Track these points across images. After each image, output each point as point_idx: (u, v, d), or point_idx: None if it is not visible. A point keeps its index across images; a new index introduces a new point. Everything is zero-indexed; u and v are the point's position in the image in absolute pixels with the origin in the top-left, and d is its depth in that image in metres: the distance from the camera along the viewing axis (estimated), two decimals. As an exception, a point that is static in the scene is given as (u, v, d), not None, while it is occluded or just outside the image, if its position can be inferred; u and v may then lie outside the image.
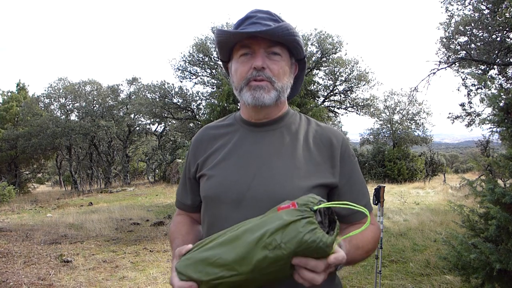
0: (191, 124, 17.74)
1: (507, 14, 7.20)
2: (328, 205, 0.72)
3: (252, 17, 0.96)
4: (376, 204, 3.30)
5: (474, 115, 9.60)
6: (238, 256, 0.70)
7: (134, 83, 21.95)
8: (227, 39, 0.95)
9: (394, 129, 19.90)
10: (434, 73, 9.57)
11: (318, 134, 1.01)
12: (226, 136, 1.04)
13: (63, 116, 21.05)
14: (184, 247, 0.83)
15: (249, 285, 0.73)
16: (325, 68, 14.91)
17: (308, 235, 0.66)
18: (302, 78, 1.08)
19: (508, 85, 8.74)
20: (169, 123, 21.63)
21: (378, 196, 3.26)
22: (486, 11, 7.86)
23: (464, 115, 9.86)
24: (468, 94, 9.44)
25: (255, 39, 0.93)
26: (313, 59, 14.22)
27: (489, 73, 8.85)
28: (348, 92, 15.51)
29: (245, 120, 1.03)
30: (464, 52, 8.76)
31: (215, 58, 15.52)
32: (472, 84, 9.19)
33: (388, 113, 20.21)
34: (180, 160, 17.83)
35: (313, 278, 0.69)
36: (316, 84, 14.67)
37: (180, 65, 16.04)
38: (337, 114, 16.96)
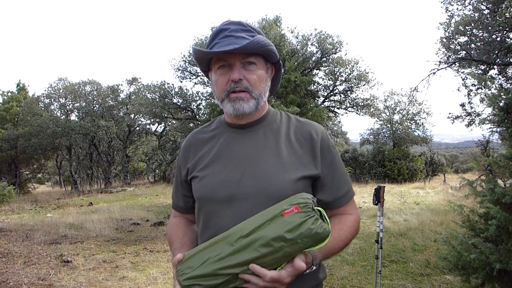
0: (191, 124, 17.72)
1: (507, 14, 7.20)
2: (320, 209, 0.89)
3: (225, 30, 1.00)
4: (376, 204, 3.30)
5: (474, 115, 9.58)
6: (250, 258, 0.83)
7: (134, 83, 21.93)
8: (203, 56, 1.01)
9: (394, 129, 19.89)
10: (434, 73, 9.56)
11: (298, 129, 1.07)
12: (213, 140, 1.10)
13: (63, 116, 21.04)
14: (176, 258, 0.91)
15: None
16: (325, 68, 14.91)
17: (319, 229, 0.84)
18: (279, 78, 1.14)
19: (508, 85, 8.73)
20: (169, 123, 21.62)
21: (378, 196, 3.26)
22: (486, 11, 7.85)
23: (464, 115, 9.84)
24: (468, 94, 9.43)
25: (231, 53, 0.97)
26: (313, 59, 14.22)
27: (489, 73, 8.84)
28: (348, 92, 15.50)
29: (229, 123, 1.10)
30: (464, 52, 8.75)
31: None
32: (472, 84, 9.18)
33: (388, 113, 20.21)
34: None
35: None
36: (316, 84, 14.67)
37: (180, 65, 16.01)
38: (337, 114, 16.95)
